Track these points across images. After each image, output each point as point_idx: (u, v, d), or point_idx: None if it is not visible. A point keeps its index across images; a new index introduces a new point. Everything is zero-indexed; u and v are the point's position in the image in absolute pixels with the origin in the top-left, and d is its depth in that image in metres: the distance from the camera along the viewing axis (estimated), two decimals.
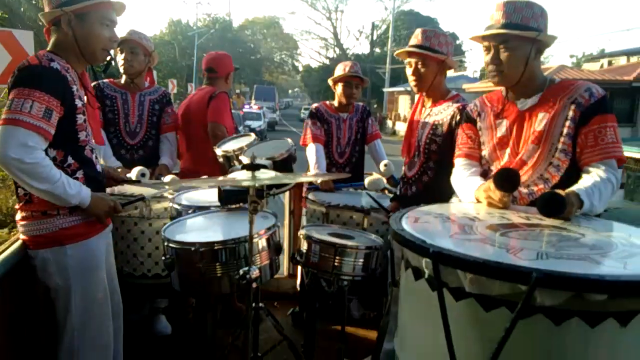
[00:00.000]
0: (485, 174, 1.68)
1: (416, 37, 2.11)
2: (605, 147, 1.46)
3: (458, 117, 2.03)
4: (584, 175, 1.47)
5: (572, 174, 1.50)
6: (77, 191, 1.56)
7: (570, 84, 1.55)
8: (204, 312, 2.26)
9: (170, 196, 2.24)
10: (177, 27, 37.32)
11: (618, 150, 1.47)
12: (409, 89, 27.98)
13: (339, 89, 2.82)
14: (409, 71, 2.14)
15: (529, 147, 1.54)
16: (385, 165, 2.78)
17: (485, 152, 1.69)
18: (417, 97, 2.29)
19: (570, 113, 1.48)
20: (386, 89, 29.08)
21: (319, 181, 2.59)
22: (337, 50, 44.21)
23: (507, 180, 1.37)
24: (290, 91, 74.11)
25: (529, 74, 1.55)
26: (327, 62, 43.95)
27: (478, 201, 1.51)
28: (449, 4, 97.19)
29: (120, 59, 2.57)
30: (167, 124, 2.74)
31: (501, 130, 1.63)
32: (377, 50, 38.90)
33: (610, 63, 22.15)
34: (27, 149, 1.42)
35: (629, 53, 21.68)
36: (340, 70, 2.82)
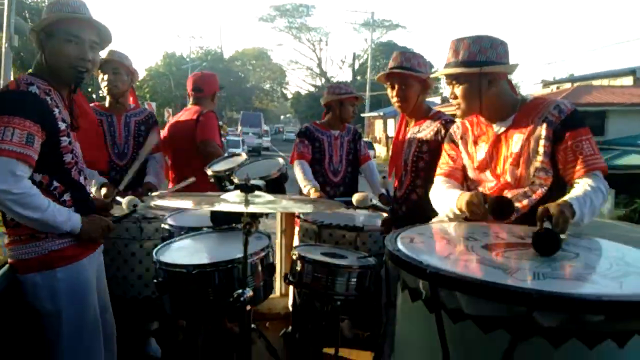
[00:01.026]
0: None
1: (395, 60, 2.07)
2: (586, 160, 1.41)
3: (443, 132, 1.99)
4: (575, 186, 1.40)
5: (555, 188, 1.46)
6: (67, 217, 1.46)
7: (540, 102, 1.51)
8: (195, 334, 2.14)
9: (161, 217, 2.14)
10: (172, 59, 37.40)
11: (599, 162, 1.42)
12: (381, 113, 28.58)
13: (340, 108, 2.76)
14: (392, 93, 2.09)
15: (508, 169, 1.51)
16: (384, 177, 2.71)
17: (469, 174, 1.65)
18: (390, 120, 2.27)
19: (544, 132, 1.44)
20: (365, 114, 29.62)
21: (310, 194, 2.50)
22: (322, 78, 44.91)
23: (501, 210, 1.33)
24: (282, 117, 74.26)
25: (490, 103, 1.52)
26: (313, 89, 44.53)
27: (460, 210, 1.45)
28: (425, 35, 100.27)
29: (103, 80, 2.46)
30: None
31: (481, 154, 1.59)
32: (359, 78, 39.62)
33: (558, 88, 22.88)
34: (14, 178, 1.33)
35: (572, 80, 22.79)
36: (338, 91, 2.77)
